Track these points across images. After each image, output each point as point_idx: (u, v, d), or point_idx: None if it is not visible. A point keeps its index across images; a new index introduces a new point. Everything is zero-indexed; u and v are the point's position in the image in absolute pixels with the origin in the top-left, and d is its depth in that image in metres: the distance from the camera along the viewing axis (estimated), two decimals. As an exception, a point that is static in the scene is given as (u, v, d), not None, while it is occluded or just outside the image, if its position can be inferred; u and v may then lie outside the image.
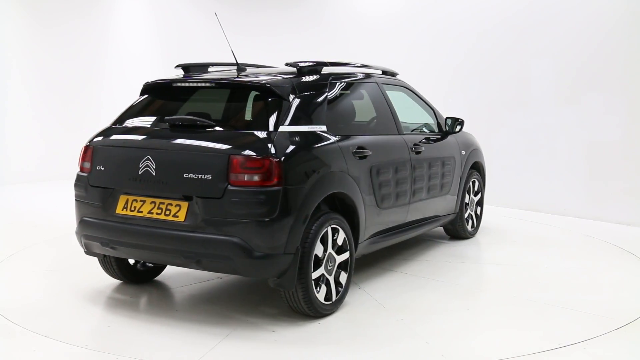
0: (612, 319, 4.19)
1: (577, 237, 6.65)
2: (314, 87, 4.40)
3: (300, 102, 4.18)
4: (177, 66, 4.92)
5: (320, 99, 4.39)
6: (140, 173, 3.98)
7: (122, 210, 4.06)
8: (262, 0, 10.67)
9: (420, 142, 5.37)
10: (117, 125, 4.42)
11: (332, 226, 4.13)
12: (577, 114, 7.62)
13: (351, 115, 4.96)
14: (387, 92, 5.27)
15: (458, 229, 6.21)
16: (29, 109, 10.30)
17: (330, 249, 4.14)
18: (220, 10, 11.09)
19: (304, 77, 4.41)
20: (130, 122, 4.39)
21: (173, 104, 4.51)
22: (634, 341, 3.91)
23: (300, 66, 4.47)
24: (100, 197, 4.17)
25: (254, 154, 3.75)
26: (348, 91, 4.94)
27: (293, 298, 4.00)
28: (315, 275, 4.01)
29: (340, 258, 4.25)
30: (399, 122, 5.20)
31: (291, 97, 4.14)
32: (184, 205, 3.87)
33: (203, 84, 4.37)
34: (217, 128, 4.03)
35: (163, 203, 3.94)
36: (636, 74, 7.12)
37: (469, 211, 6.31)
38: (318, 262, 4.05)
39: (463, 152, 6.07)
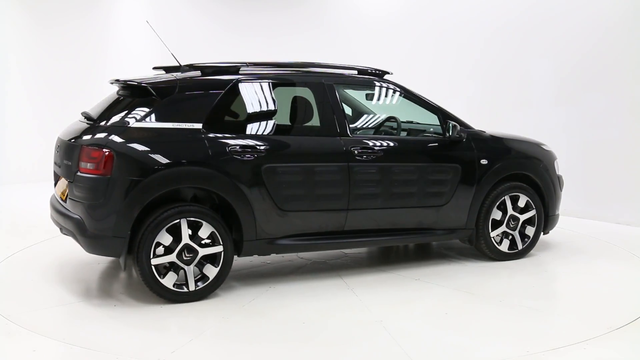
0: (612, 319, 4.19)
1: (577, 237, 6.64)
2: (206, 87, 4.65)
3: (175, 101, 4.50)
4: (155, 68, 5.26)
5: (207, 99, 4.58)
6: (55, 159, 4.82)
7: (57, 189, 4.89)
8: (263, 0, 10.66)
9: (378, 145, 4.97)
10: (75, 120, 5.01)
11: (189, 219, 4.37)
12: (577, 114, 7.61)
13: (254, 115, 4.77)
14: (346, 92, 5.24)
15: (481, 247, 5.50)
16: (28, 109, 10.28)
17: (187, 240, 4.38)
18: (221, 11, 11.17)
19: (200, 78, 4.69)
20: (79, 116, 4.94)
21: (105, 100, 4.90)
22: (634, 341, 3.91)
23: (203, 67, 4.78)
24: (54, 179, 5.02)
25: (94, 146, 4.30)
26: (263, 92, 4.88)
27: (139, 279, 4.42)
28: (157, 261, 4.33)
29: (205, 251, 4.44)
30: (343, 124, 4.91)
31: (166, 96, 4.47)
32: (69, 186, 4.50)
33: (116, 84, 4.81)
34: (101, 123, 4.45)
35: (66, 184, 4.57)
36: (636, 74, 7.11)
37: (502, 229, 5.51)
38: (169, 251, 4.36)
39: (484, 161, 5.36)
